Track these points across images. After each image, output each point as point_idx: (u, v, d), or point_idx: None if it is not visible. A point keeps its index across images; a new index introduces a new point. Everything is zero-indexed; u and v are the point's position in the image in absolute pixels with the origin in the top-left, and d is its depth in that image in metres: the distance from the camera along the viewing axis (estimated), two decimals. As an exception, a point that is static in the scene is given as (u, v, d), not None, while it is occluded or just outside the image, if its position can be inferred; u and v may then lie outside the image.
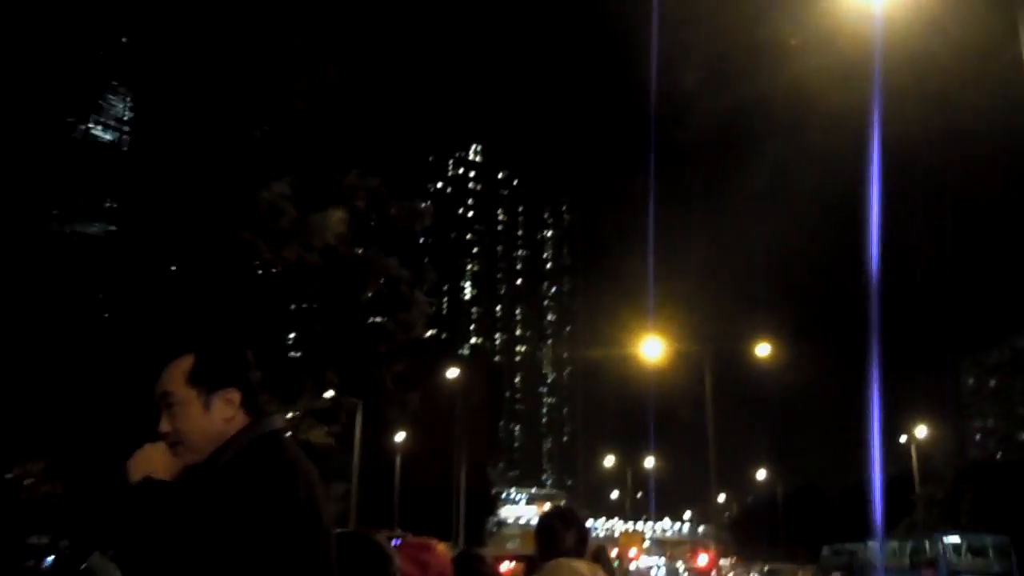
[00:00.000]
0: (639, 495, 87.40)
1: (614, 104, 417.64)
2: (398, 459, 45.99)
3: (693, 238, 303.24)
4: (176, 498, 2.13)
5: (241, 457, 2.18)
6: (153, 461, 2.25)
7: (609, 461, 79.65)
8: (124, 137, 18.45)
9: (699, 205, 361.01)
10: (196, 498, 2.08)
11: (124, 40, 17.16)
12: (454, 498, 44.53)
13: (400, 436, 45.88)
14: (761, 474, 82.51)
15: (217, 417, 2.26)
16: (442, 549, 4.03)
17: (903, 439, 50.43)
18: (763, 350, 27.98)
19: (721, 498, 78.62)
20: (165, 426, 2.27)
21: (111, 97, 17.88)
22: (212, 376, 2.28)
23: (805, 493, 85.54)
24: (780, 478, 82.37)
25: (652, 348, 26.01)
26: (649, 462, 63.58)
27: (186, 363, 2.29)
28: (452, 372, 46.38)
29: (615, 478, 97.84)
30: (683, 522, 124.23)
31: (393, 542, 3.47)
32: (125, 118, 18.39)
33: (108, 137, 18.36)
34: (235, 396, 2.29)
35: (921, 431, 49.25)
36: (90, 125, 17.71)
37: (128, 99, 18.16)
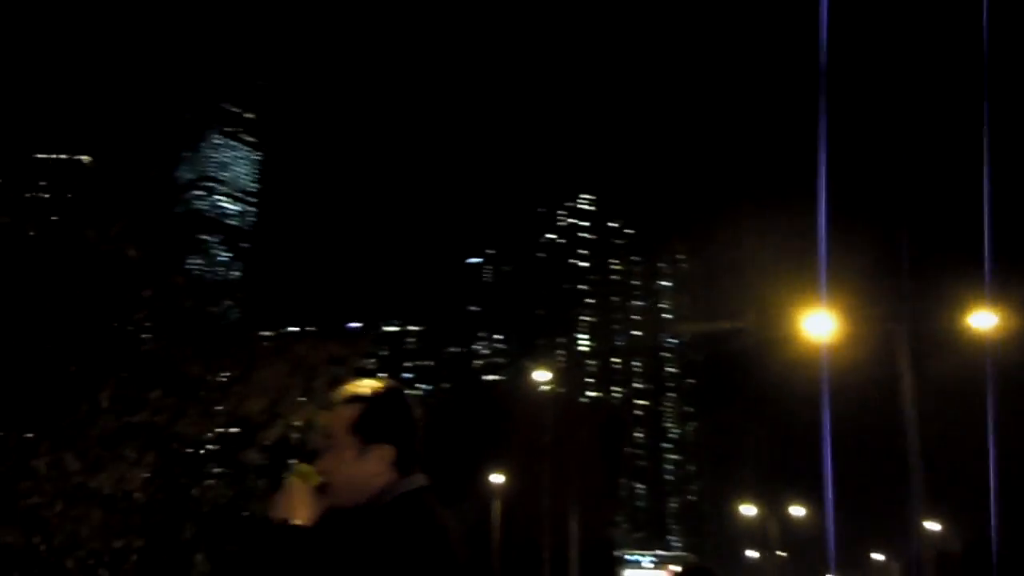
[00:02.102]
0: (781, 554, 77.24)
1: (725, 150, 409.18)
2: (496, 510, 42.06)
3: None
4: (313, 548, 2.22)
5: (383, 512, 2.30)
6: (294, 502, 2.35)
7: (748, 511, 69.08)
8: None
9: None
10: (333, 550, 2.20)
11: None
12: (568, 557, 40.65)
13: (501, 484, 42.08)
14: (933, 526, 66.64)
15: (368, 470, 2.40)
16: None
17: None
18: (981, 320, 17.46)
19: (879, 557, 68.74)
20: (322, 466, 2.45)
21: None
22: (372, 430, 2.43)
23: (977, 550, 73.13)
24: (954, 531, 68.30)
25: (820, 322, 17.50)
26: (797, 511, 55.53)
27: (354, 411, 2.46)
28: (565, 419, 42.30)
29: (751, 535, 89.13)
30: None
31: None
32: None
33: None
34: (389, 453, 2.42)
35: None
36: None
37: None
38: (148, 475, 11.39)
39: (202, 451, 12.95)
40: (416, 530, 2.21)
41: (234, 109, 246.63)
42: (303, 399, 12.98)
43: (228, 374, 12.67)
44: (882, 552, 71.95)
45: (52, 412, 10.90)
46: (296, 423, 12.94)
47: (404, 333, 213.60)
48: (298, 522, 2.31)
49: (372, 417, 2.45)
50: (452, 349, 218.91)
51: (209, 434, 12.92)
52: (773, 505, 64.33)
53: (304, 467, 2.53)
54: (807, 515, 55.73)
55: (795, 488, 73.35)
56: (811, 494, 68.51)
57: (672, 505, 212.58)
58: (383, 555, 2.11)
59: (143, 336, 12.39)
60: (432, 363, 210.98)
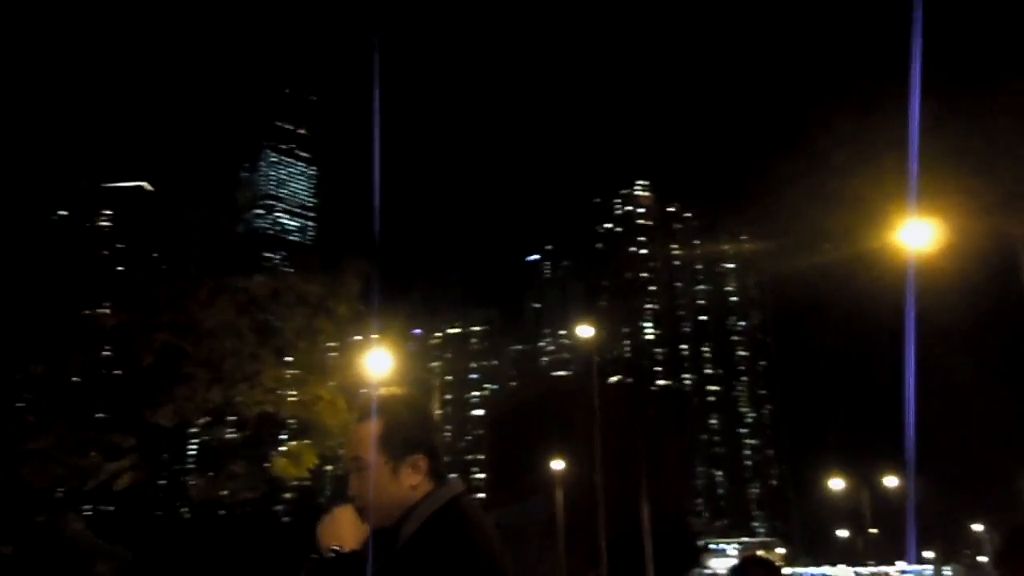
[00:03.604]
0: (873, 531, 72.88)
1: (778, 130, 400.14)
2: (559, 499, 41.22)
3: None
4: (365, 573, 2.22)
5: (426, 529, 2.25)
6: (342, 529, 2.34)
7: (837, 485, 64.04)
8: None
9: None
10: (385, 572, 2.18)
11: None
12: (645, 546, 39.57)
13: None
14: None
15: (404, 484, 2.34)
16: None
17: None
18: None
19: (977, 527, 64.47)
20: (354, 489, 2.37)
21: None
22: (400, 443, 2.35)
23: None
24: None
25: (916, 233, 13.57)
26: (891, 481, 51.83)
27: (376, 427, 2.37)
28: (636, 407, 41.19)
29: (842, 512, 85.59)
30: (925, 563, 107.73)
31: None
32: None
33: None
34: (422, 463, 2.36)
35: None
36: None
37: None
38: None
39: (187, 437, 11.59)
40: (463, 544, 2.18)
41: (287, 126, 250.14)
42: (263, 351, 11.19)
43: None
44: (982, 523, 67.02)
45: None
46: (271, 386, 11.21)
47: (467, 334, 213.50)
48: (347, 548, 2.28)
49: (397, 430, 2.37)
50: (517, 347, 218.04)
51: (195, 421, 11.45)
52: (864, 477, 60.65)
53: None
54: (900, 485, 52.39)
55: (888, 457, 69.51)
56: (903, 461, 64.47)
57: (753, 490, 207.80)
58: (435, 573, 2.11)
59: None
60: (497, 362, 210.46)
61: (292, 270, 11.97)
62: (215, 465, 11.96)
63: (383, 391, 2.55)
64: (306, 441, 11.59)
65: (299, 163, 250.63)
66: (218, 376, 10.89)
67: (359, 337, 12.47)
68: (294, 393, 11.04)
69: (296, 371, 11.09)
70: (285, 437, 12.60)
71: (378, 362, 13.26)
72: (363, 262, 12.09)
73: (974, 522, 66.60)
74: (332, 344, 11.90)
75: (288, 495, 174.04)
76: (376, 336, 12.04)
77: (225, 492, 11.82)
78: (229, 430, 11.33)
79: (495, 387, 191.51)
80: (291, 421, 11.78)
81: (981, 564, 73.53)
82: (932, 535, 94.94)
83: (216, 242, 11.86)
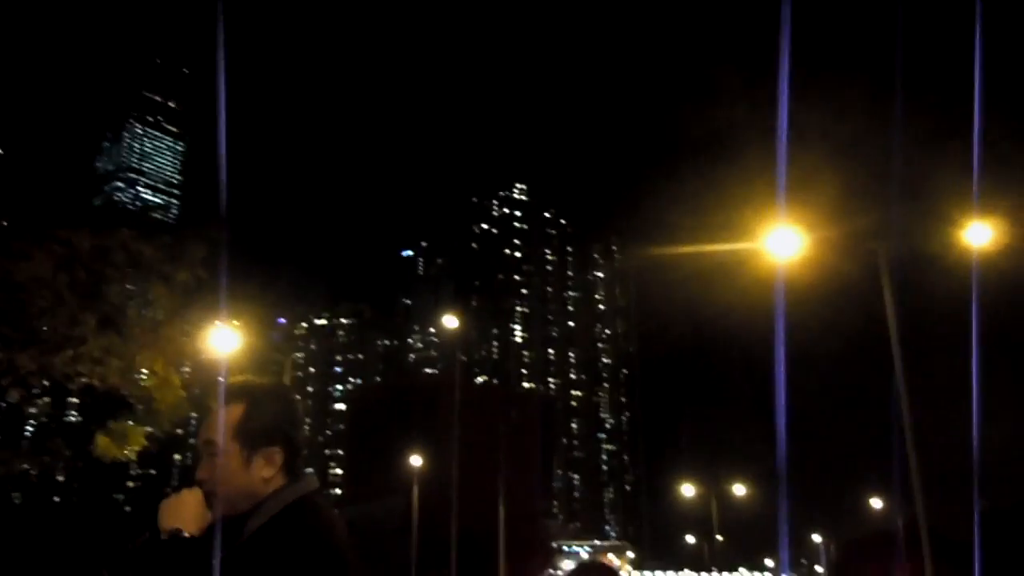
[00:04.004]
0: (719, 538, 75.05)
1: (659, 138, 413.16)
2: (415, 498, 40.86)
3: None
4: (203, 561, 2.12)
5: (272, 525, 2.17)
6: (186, 511, 2.24)
7: (688, 491, 64.79)
8: None
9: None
10: (230, 565, 2.09)
11: None
12: (499, 546, 39.54)
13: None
14: (877, 503, 58.90)
15: (256, 476, 2.25)
16: None
17: None
18: (978, 235, 13.30)
19: (816, 538, 67.59)
20: (203, 473, 2.27)
21: None
22: (259, 433, 2.27)
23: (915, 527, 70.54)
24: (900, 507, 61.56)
25: (782, 243, 13.38)
26: (739, 489, 53.86)
27: (234, 413, 2.27)
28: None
29: (692, 519, 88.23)
30: (763, 572, 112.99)
31: None
32: None
33: None
34: (278, 456, 2.28)
35: None
36: None
37: None
38: None
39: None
40: (309, 543, 2.09)
41: (157, 98, 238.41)
42: (85, 315, 9.94)
43: None
44: (820, 533, 70.25)
45: None
46: (96, 356, 9.98)
47: (335, 326, 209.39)
48: (188, 533, 2.19)
49: (257, 419, 2.27)
50: (384, 342, 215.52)
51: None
52: (714, 485, 62.68)
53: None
54: (748, 494, 54.44)
55: (737, 467, 72.01)
56: (752, 471, 67.13)
57: (608, 495, 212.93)
58: (276, 570, 2.03)
59: None
60: (362, 356, 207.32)
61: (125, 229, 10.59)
62: (21, 440, 10.61)
63: (249, 377, 2.45)
64: (130, 422, 10.43)
65: (167, 137, 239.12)
66: (30, 338, 9.65)
67: (202, 310, 11.35)
68: (120, 365, 9.87)
69: (124, 342, 9.90)
70: (109, 417, 11.33)
71: (224, 341, 12.17)
72: (212, 229, 11.01)
73: (813, 532, 70.03)
74: (168, 315, 10.77)
75: (131, 484, 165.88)
76: (224, 312, 10.92)
77: (29, 468, 10.50)
78: (43, 401, 9.96)
79: (359, 382, 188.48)
80: (120, 397, 10.54)
81: (818, 573, 77.53)
82: (773, 544, 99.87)
83: (42, 192, 10.65)
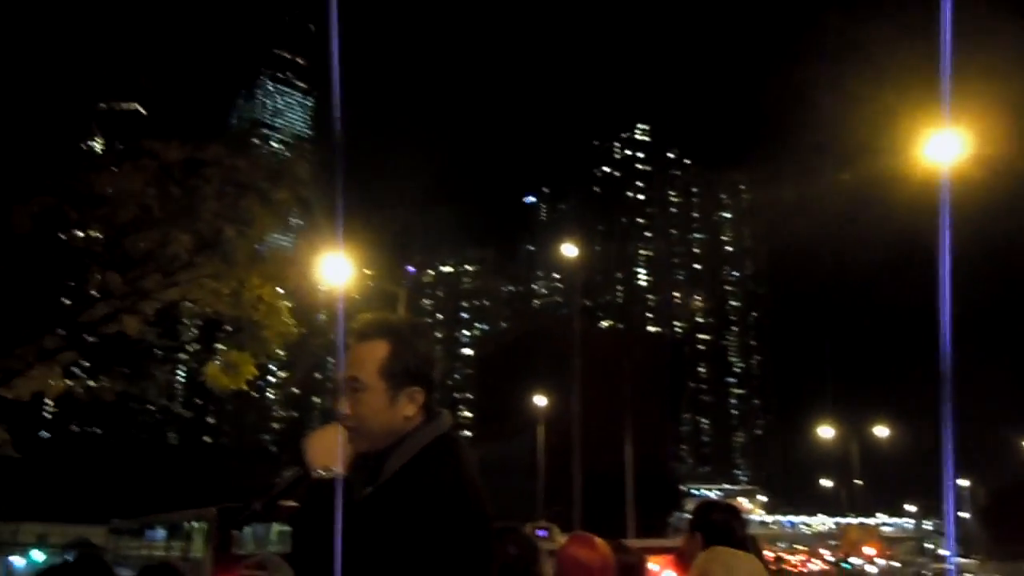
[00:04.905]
0: (858, 482, 71.21)
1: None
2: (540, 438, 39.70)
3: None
4: (355, 502, 2.15)
5: (416, 462, 2.21)
6: (331, 448, 2.25)
7: (825, 433, 61.60)
8: None
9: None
10: (376, 503, 2.14)
11: None
12: (624, 489, 39.56)
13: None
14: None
15: (399, 414, 2.27)
16: (601, 543, 3.87)
17: None
18: None
19: (965, 483, 63.38)
20: (347, 409, 2.29)
21: None
22: (403, 371, 2.28)
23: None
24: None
25: (945, 146, 11.60)
26: (881, 431, 50.86)
27: (379, 351, 2.28)
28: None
29: (825, 465, 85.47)
30: (905, 517, 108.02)
31: (539, 533, 3.93)
32: None
33: None
34: (420, 395, 2.30)
35: None
36: None
37: None
38: None
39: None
40: (450, 484, 2.15)
41: (286, 54, 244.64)
42: (175, 231, 9.32)
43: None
44: (968, 477, 65.49)
45: None
46: (194, 278, 9.62)
47: (460, 273, 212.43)
48: (336, 469, 2.20)
49: (402, 357, 2.29)
50: (509, 288, 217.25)
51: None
52: (854, 427, 59.10)
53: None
54: (890, 435, 51.44)
55: (879, 407, 68.24)
56: (896, 411, 63.26)
57: (738, 439, 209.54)
58: (419, 511, 2.07)
59: None
60: (488, 303, 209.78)
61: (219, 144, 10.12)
62: (128, 365, 10.59)
63: (387, 314, 2.43)
64: (241, 350, 10.26)
65: (296, 93, 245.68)
66: (119, 258, 9.45)
67: (309, 236, 10.97)
68: (225, 291, 9.64)
69: (229, 267, 9.62)
70: (219, 344, 11.25)
71: (336, 269, 11.78)
72: (322, 150, 10.47)
73: (960, 477, 65.75)
74: (271, 236, 10.44)
75: (276, 425, 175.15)
76: (336, 241, 10.41)
77: (137, 394, 10.52)
78: (137, 325, 9.76)
79: (486, 327, 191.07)
80: (230, 323, 10.34)
81: (962, 520, 72.79)
82: (916, 489, 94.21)
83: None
